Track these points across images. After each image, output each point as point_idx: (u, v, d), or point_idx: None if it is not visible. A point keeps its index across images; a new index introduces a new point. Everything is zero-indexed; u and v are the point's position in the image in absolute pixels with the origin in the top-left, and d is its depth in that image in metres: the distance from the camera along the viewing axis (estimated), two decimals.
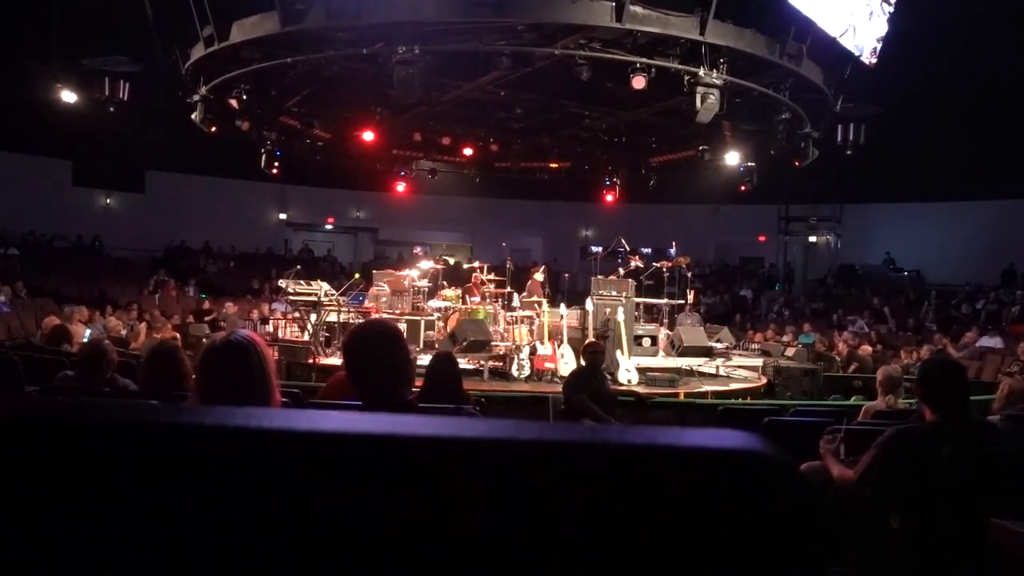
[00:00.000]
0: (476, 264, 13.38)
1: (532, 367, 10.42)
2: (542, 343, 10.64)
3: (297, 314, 12.48)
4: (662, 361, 11.48)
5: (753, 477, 0.40)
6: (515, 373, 10.40)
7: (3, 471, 0.41)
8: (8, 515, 0.41)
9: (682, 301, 12.74)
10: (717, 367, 11.75)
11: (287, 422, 0.40)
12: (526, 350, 10.65)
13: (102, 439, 0.40)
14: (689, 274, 13.09)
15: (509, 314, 11.84)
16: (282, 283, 13.30)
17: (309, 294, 12.23)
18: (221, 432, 0.40)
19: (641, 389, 10.05)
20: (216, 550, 0.40)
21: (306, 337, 11.94)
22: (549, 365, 10.27)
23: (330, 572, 0.40)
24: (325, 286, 12.45)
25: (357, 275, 18.12)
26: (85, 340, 8.82)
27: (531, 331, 11.48)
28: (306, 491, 0.39)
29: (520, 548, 0.39)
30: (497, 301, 12.22)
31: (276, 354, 10.81)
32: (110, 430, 0.40)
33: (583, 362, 7.50)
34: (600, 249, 15.42)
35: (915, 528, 3.13)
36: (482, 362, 10.71)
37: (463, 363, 10.33)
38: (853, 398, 9.05)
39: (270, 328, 13.64)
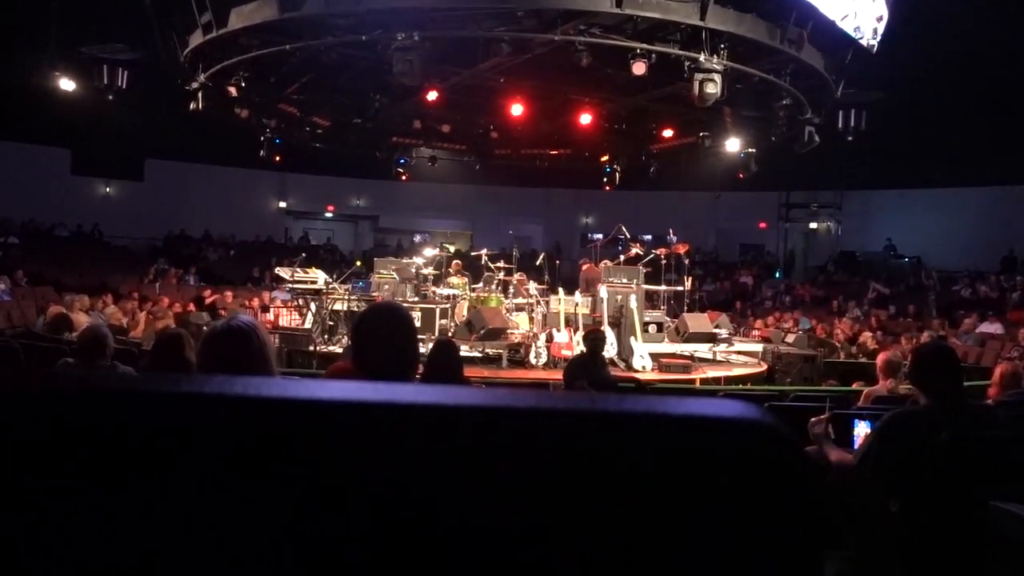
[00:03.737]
0: (484, 252, 13.33)
1: (549, 354, 10.43)
2: (559, 330, 10.67)
3: (300, 302, 12.48)
4: (667, 347, 11.52)
5: (752, 445, 0.41)
6: (533, 360, 10.42)
7: (2, 444, 0.41)
8: (8, 488, 0.41)
9: (680, 288, 12.75)
10: (714, 352, 11.80)
11: (284, 391, 0.40)
12: (543, 337, 10.67)
13: (99, 409, 0.40)
14: (687, 261, 13.08)
15: (508, 302, 11.85)
16: (279, 271, 13.31)
17: (307, 282, 12.23)
18: (220, 401, 0.40)
19: (655, 375, 10.12)
20: (214, 520, 0.40)
21: (307, 325, 11.94)
22: (566, 352, 10.28)
23: (328, 543, 0.40)
24: (322, 275, 12.45)
25: (359, 262, 18.14)
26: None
27: (531, 319, 11.49)
28: (304, 460, 0.39)
29: (516, 515, 0.39)
30: (507, 288, 12.20)
31: (277, 342, 10.82)
32: (107, 400, 0.40)
33: (584, 348, 7.52)
34: (600, 236, 15.43)
35: (914, 512, 3.14)
36: (490, 350, 10.73)
37: (470, 351, 10.40)
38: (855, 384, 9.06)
39: (270, 316, 13.65)
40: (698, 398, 0.42)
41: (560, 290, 11.67)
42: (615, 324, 10.81)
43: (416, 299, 11.76)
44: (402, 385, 0.41)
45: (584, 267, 13.15)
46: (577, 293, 11.59)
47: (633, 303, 10.94)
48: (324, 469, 0.38)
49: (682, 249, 12.89)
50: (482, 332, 10.34)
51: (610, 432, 0.39)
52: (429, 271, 12.48)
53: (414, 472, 0.38)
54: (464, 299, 11.84)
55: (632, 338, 10.68)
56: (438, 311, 11.27)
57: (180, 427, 0.39)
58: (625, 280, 11.37)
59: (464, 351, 10.27)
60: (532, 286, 11.92)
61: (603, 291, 10.97)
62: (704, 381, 10.00)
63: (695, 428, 0.40)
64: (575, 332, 10.52)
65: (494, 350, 10.75)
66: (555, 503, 0.39)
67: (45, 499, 0.40)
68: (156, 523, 0.39)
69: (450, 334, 10.57)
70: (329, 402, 0.39)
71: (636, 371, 10.19)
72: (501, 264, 12.70)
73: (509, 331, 10.92)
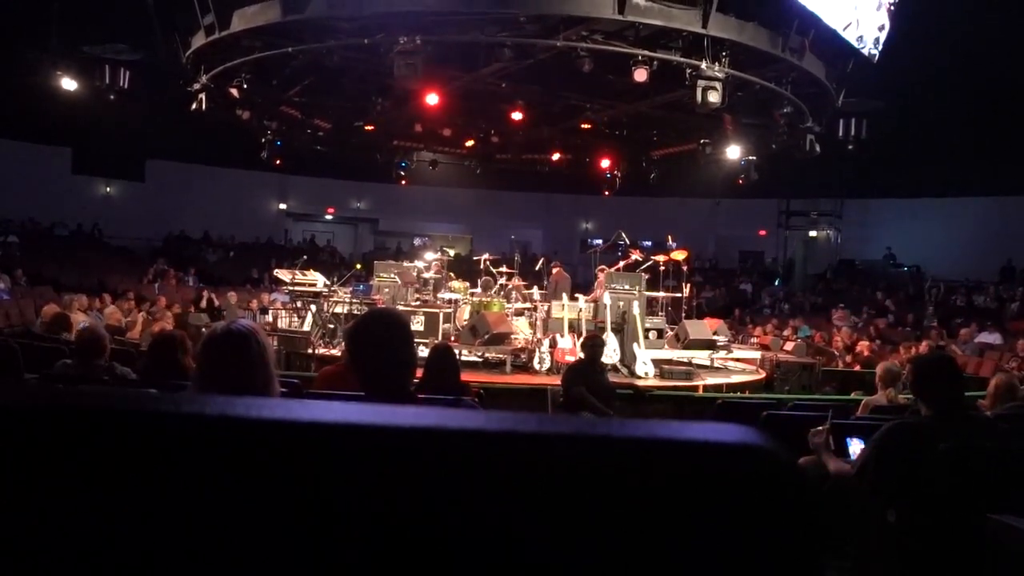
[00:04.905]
0: (486, 256, 13.28)
1: (552, 359, 10.39)
2: (562, 335, 10.66)
3: (299, 304, 12.47)
4: (667, 353, 11.52)
5: (752, 471, 0.41)
6: (537, 366, 10.40)
7: (1, 458, 0.41)
8: (5, 503, 0.41)
9: (679, 295, 12.76)
10: (712, 359, 11.79)
11: (287, 412, 0.40)
12: (546, 343, 10.65)
13: (100, 427, 0.40)
14: (685, 268, 13.08)
15: (509, 306, 11.84)
16: (278, 273, 13.31)
17: (306, 285, 12.23)
18: (221, 422, 0.40)
19: (657, 382, 10.11)
20: (212, 540, 0.40)
21: (306, 327, 11.92)
22: (570, 358, 10.23)
23: (327, 563, 0.40)
24: (321, 277, 12.44)
25: (359, 265, 18.13)
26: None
27: (531, 323, 11.48)
28: (306, 482, 0.39)
29: (516, 539, 0.39)
30: (512, 293, 12.16)
31: (275, 344, 10.81)
32: (109, 418, 0.40)
33: (582, 355, 7.51)
34: (600, 242, 15.43)
35: (912, 522, 3.13)
36: (490, 355, 10.72)
37: (469, 355, 10.40)
38: (853, 393, 9.07)
39: (269, 318, 13.64)
40: (698, 423, 0.42)
41: (564, 295, 11.67)
42: (618, 330, 10.81)
43: (418, 303, 11.73)
44: (405, 408, 0.41)
45: (554, 271, 13.16)
46: (580, 298, 11.58)
47: (636, 309, 10.94)
48: (324, 492, 0.38)
49: (681, 256, 12.89)
50: (486, 337, 10.33)
51: (610, 458, 0.39)
52: (430, 275, 12.46)
53: (415, 496, 0.38)
54: (466, 303, 11.82)
55: (635, 344, 10.68)
56: (441, 315, 11.23)
57: (182, 447, 0.39)
58: (627, 286, 11.37)
59: (467, 356, 10.30)
60: (535, 291, 11.90)
61: (606, 297, 10.97)
62: (706, 388, 10.00)
63: (694, 454, 0.40)
64: (579, 337, 10.50)
65: (497, 355, 10.73)
66: (555, 529, 0.39)
67: (43, 515, 0.40)
68: (156, 544, 0.38)
69: (452, 338, 10.55)
70: (329, 425, 0.39)
71: (639, 377, 10.18)
72: (504, 269, 12.67)
73: (513, 336, 10.91)
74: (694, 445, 0.40)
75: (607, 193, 19.58)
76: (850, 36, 11.33)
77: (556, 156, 18.50)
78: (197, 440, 0.39)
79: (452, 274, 13.16)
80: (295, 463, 0.39)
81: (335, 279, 12.91)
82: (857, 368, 12.32)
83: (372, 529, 0.38)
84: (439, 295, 11.93)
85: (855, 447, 3.66)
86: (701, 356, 11.73)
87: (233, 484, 0.38)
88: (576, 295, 11.76)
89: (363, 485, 0.38)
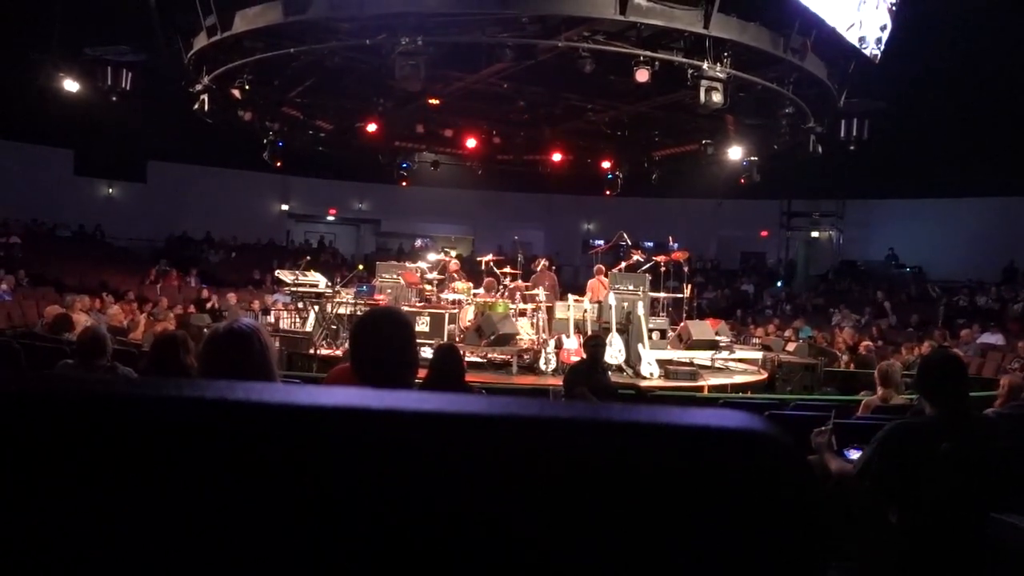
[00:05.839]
0: (490, 257, 13.24)
1: (558, 360, 10.37)
2: (567, 336, 10.64)
3: (300, 305, 12.47)
4: (670, 354, 11.52)
5: (755, 457, 0.40)
6: (542, 366, 10.39)
7: (3, 446, 0.41)
8: (7, 490, 0.41)
9: (680, 295, 12.75)
10: (713, 360, 11.79)
11: (287, 397, 0.40)
12: (552, 343, 10.64)
13: (102, 413, 0.40)
14: (686, 269, 13.06)
15: (512, 307, 11.83)
16: (280, 274, 13.33)
17: (307, 285, 12.23)
18: (221, 406, 0.40)
19: (662, 382, 10.10)
20: (213, 525, 0.40)
21: (308, 328, 11.93)
22: (575, 359, 10.22)
23: (328, 548, 0.40)
24: (322, 278, 12.44)
25: (360, 266, 18.14)
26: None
27: (533, 324, 11.47)
28: (305, 466, 0.39)
29: (516, 524, 0.39)
30: (515, 295, 12.13)
31: (277, 344, 10.79)
32: (109, 403, 0.40)
33: (584, 355, 7.52)
34: (602, 242, 15.41)
35: (914, 522, 3.12)
36: (492, 356, 10.70)
37: (472, 356, 10.38)
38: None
39: (271, 319, 13.65)
40: (701, 409, 0.42)
41: (570, 296, 11.66)
42: (622, 331, 10.81)
43: (421, 303, 11.73)
44: (405, 392, 0.41)
45: (538, 268, 13.13)
46: (585, 300, 11.56)
47: (640, 310, 10.94)
48: (325, 476, 0.38)
49: (682, 256, 12.88)
50: (492, 338, 10.32)
51: (612, 442, 0.39)
52: (434, 276, 12.45)
53: (415, 480, 0.38)
54: (469, 304, 11.81)
55: (640, 345, 10.67)
56: (447, 316, 11.21)
57: (181, 432, 0.39)
58: (632, 287, 11.37)
59: (471, 357, 10.28)
60: (539, 292, 11.89)
61: (611, 298, 10.96)
62: (710, 389, 10.00)
63: (697, 439, 0.40)
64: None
65: (502, 356, 10.72)
66: (557, 513, 0.39)
67: (44, 501, 0.40)
68: (155, 528, 0.38)
69: (457, 339, 10.55)
70: (330, 409, 0.39)
71: (644, 378, 10.17)
72: (508, 270, 12.66)
73: (519, 337, 10.91)
74: (696, 430, 0.40)
75: (609, 194, 19.55)
76: (852, 37, 11.32)
77: (558, 157, 18.49)
78: (195, 424, 0.39)
79: (459, 274, 13.14)
80: (294, 447, 0.38)
81: (337, 280, 12.92)
82: (851, 368, 12.33)
83: (370, 514, 0.38)
84: (442, 296, 11.92)
85: (854, 457, 3.66)
86: (703, 357, 11.72)
87: (231, 469, 0.38)
88: (576, 297, 11.74)
89: (362, 469, 0.38)
